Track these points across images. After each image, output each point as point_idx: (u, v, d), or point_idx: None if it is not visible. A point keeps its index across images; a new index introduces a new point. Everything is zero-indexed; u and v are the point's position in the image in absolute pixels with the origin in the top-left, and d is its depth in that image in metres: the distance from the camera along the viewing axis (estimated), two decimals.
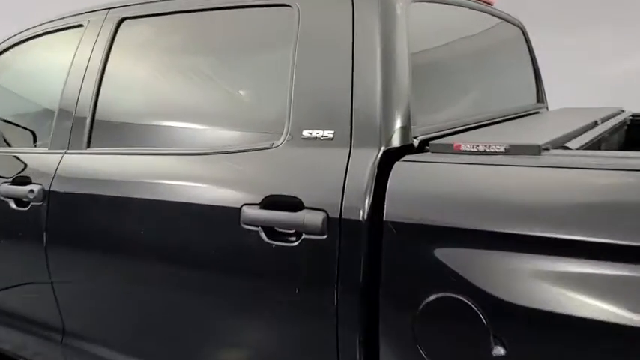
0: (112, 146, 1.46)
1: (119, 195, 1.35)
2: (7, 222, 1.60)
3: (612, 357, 0.83)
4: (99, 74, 1.50)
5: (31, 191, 1.52)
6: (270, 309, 1.16)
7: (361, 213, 1.03)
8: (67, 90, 1.56)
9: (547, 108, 2.10)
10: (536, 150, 0.98)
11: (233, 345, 1.27)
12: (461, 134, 1.23)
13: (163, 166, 1.33)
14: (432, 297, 0.96)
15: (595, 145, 1.32)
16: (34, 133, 1.86)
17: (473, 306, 0.92)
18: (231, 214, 1.17)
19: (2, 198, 1.59)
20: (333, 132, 1.11)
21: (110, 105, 1.51)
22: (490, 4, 1.75)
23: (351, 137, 1.09)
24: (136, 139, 1.45)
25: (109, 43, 1.51)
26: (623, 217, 0.83)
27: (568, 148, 1.10)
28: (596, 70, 3.57)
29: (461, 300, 0.93)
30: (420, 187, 1.01)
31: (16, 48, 1.80)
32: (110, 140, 1.48)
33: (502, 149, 1.00)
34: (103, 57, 1.51)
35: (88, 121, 1.50)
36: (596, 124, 1.47)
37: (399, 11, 1.16)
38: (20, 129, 1.93)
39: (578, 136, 1.26)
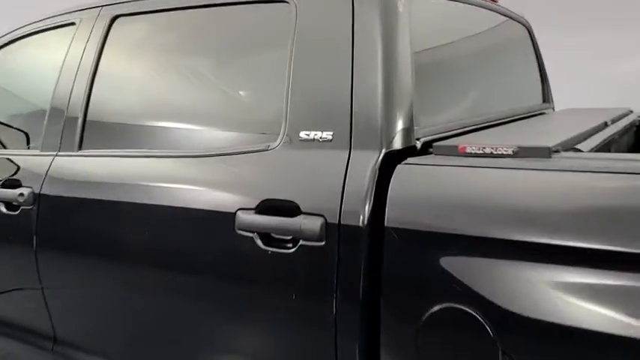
0: (103, 148, 1.42)
1: (109, 198, 1.31)
2: None
3: None
4: (91, 74, 1.46)
5: (21, 194, 1.48)
6: (267, 318, 1.12)
7: (361, 218, 0.98)
8: (58, 90, 1.52)
9: (553, 108, 2.05)
10: (546, 152, 0.93)
11: (228, 355, 1.23)
12: (466, 135, 1.18)
13: (155, 169, 1.29)
14: (436, 307, 0.91)
15: (605, 147, 1.27)
16: (27, 135, 1.81)
17: (480, 318, 0.87)
18: (225, 219, 1.12)
19: None
20: (331, 133, 1.07)
21: (102, 105, 1.47)
22: (495, 0, 1.70)
23: (350, 139, 1.05)
24: (128, 141, 1.41)
25: (101, 41, 1.47)
26: None
27: (580, 151, 1.04)
28: (601, 70, 3.53)
29: (467, 311, 0.88)
30: (423, 192, 0.96)
31: (7, 47, 1.76)
32: (102, 142, 1.44)
33: (510, 151, 0.95)
34: (95, 56, 1.47)
35: (80, 122, 1.46)
36: (606, 125, 1.42)
37: (400, 8, 1.11)
38: (13, 130, 1.89)
39: (589, 137, 1.21)
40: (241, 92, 1.33)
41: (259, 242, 1.09)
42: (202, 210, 1.16)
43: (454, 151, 1.00)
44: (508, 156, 0.95)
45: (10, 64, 1.82)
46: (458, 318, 0.89)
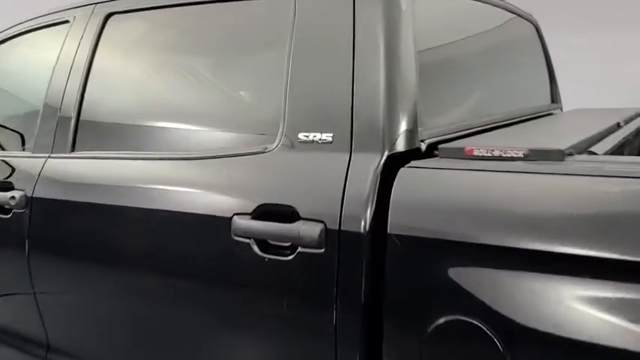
0: (96, 149, 1.38)
1: (102, 202, 1.27)
2: None
3: None
4: (84, 73, 1.42)
5: (13, 197, 1.44)
6: (265, 328, 1.07)
7: (362, 224, 0.93)
8: (51, 90, 1.49)
9: (561, 109, 1.99)
10: (559, 155, 0.88)
11: None
12: (472, 137, 1.13)
13: (149, 171, 1.25)
14: (442, 320, 0.86)
15: (619, 149, 1.21)
16: (22, 136, 1.78)
17: (488, 332, 0.81)
18: (220, 224, 1.08)
19: None
20: (331, 135, 1.02)
21: (95, 105, 1.43)
22: None
23: (351, 141, 1.00)
24: (121, 142, 1.38)
25: (95, 39, 1.43)
26: None
27: (594, 153, 0.99)
28: (608, 70, 3.47)
29: (475, 324, 0.83)
30: (428, 196, 0.91)
31: (0, 46, 1.72)
32: (95, 143, 1.40)
33: (520, 154, 0.90)
34: (89, 54, 1.43)
35: (73, 122, 1.42)
36: (619, 125, 1.36)
37: (404, 4, 1.06)
38: (8, 131, 1.85)
39: (602, 139, 1.15)
40: (238, 92, 1.29)
41: (256, 249, 1.04)
42: (197, 214, 1.12)
43: (460, 154, 0.95)
44: (518, 159, 0.90)
45: (3, 63, 1.78)
46: (465, 331, 0.84)
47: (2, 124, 1.84)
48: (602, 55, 3.46)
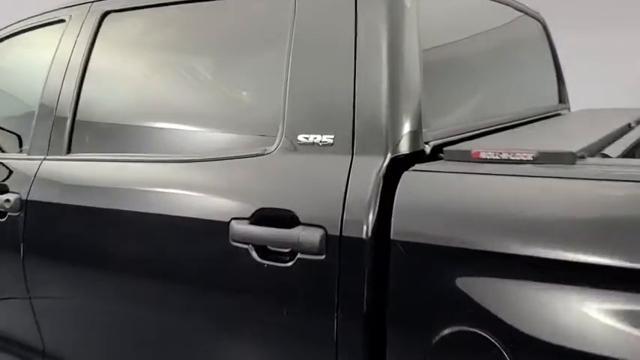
0: (92, 151, 1.36)
1: (97, 205, 1.24)
2: None
3: None
4: (80, 73, 1.39)
5: (7, 200, 1.41)
6: (263, 335, 1.04)
7: (364, 230, 0.89)
8: (46, 90, 1.46)
9: (569, 109, 1.95)
10: (570, 158, 0.84)
11: None
12: (479, 139, 1.09)
13: (145, 174, 1.21)
14: (448, 330, 0.83)
15: (631, 151, 1.17)
16: (19, 137, 1.75)
17: (497, 344, 0.77)
18: (218, 228, 1.04)
19: None
20: (332, 136, 0.98)
21: (91, 107, 1.40)
22: None
23: (353, 142, 0.96)
24: (117, 144, 1.35)
25: (91, 39, 1.40)
26: None
27: (607, 156, 0.94)
28: (613, 71, 3.42)
29: (483, 336, 0.79)
30: (433, 201, 0.87)
31: None
32: (90, 145, 1.37)
33: (529, 157, 0.86)
34: (85, 54, 1.40)
35: (68, 124, 1.39)
36: (630, 126, 1.32)
37: (408, 2, 1.02)
38: (6, 133, 1.82)
39: (614, 141, 1.11)
40: (236, 92, 1.25)
41: (255, 254, 1.01)
42: (193, 219, 1.09)
43: (467, 157, 0.91)
44: (527, 162, 0.86)
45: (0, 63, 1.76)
46: (472, 343, 0.80)
47: (1, 125, 1.81)
48: (608, 55, 3.41)
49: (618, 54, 3.41)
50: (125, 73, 1.42)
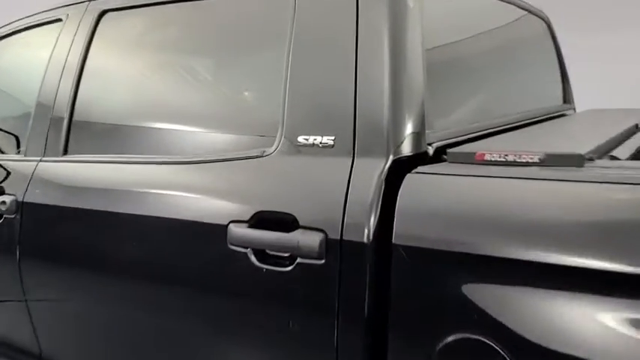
0: (88, 153, 1.33)
1: (94, 208, 1.22)
2: None
3: None
4: (77, 73, 1.37)
5: (3, 202, 1.39)
6: (262, 341, 1.02)
7: (366, 234, 0.87)
8: (43, 91, 1.44)
9: (574, 110, 1.92)
10: (578, 160, 0.81)
11: None
12: (483, 140, 1.07)
13: (141, 176, 1.19)
14: (452, 338, 0.80)
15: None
16: (17, 138, 1.73)
17: (503, 352, 0.75)
18: (216, 232, 1.02)
19: None
20: (333, 138, 0.96)
21: (88, 107, 1.38)
22: None
23: (354, 144, 0.94)
24: (113, 145, 1.33)
25: (88, 38, 1.38)
26: None
27: (616, 158, 0.92)
28: (617, 71, 3.38)
29: (488, 344, 0.76)
30: (436, 205, 0.85)
31: None
32: (86, 146, 1.35)
33: (536, 159, 0.83)
34: (82, 54, 1.38)
35: (65, 125, 1.37)
36: (637, 127, 1.29)
37: (410, 2, 1.00)
38: (4, 133, 1.80)
39: (622, 142, 1.08)
40: (235, 92, 1.22)
41: (253, 259, 0.98)
42: (191, 221, 1.06)
43: (471, 159, 0.89)
44: (534, 164, 0.83)
45: None
46: (477, 351, 0.77)
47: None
48: (609, 55, 3.38)
49: (620, 54, 3.38)
50: (122, 73, 1.40)
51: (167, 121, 1.27)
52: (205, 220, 1.04)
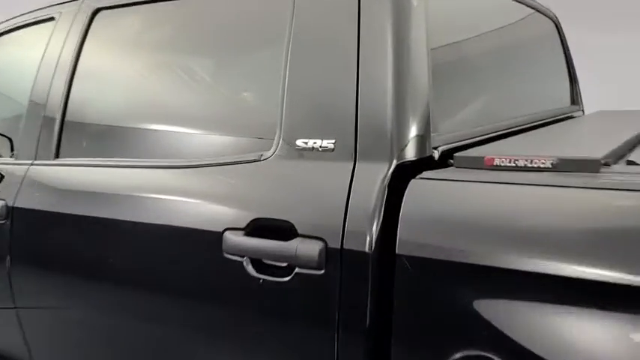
0: (80, 156, 1.29)
1: (85, 213, 1.18)
2: None
3: None
4: (69, 73, 1.33)
5: None
6: (259, 354, 0.97)
7: (367, 243, 0.83)
8: (35, 91, 1.40)
9: (583, 111, 1.87)
10: (594, 165, 0.76)
11: None
12: (491, 144, 1.02)
13: (133, 181, 1.15)
14: (459, 355, 0.76)
15: None
16: (10, 141, 1.69)
17: None
18: (211, 239, 0.98)
19: None
20: (333, 141, 0.91)
21: (80, 109, 1.34)
22: None
23: (355, 148, 0.89)
24: (106, 148, 1.28)
25: (81, 37, 1.34)
26: None
27: (634, 163, 0.87)
28: (624, 71, 3.33)
29: None
30: (442, 213, 0.80)
31: None
32: (79, 150, 1.31)
33: (549, 164, 0.79)
34: (75, 53, 1.34)
35: (57, 128, 1.33)
36: None
37: (415, 0, 0.95)
38: None
39: (638, 145, 1.03)
40: (231, 93, 1.18)
41: (250, 268, 0.94)
42: (185, 228, 1.02)
43: (479, 164, 0.84)
44: (546, 170, 0.79)
45: None
46: None
47: None
48: (619, 55, 3.33)
49: (626, 53, 3.33)
50: (116, 73, 1.36)
51: (161, 123, 1.22)
52: (200, 227, 1.00)
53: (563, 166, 0.78)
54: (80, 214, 1.19)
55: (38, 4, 1.54)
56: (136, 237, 1.10)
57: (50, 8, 1.46)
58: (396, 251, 0.80)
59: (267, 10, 1.08)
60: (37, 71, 1.40)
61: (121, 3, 1.31)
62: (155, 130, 1.23)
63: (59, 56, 1.36)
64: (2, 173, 1.46)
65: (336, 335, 0.86)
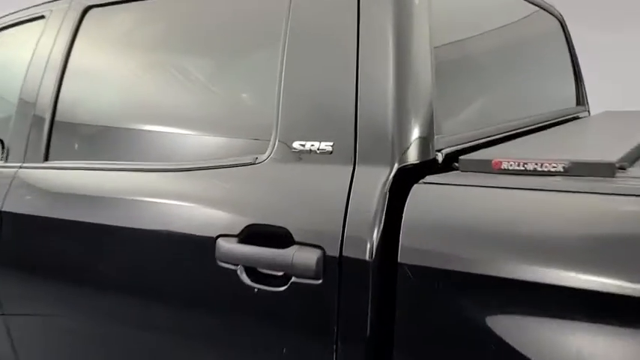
0: (70, 159, 1.25)
1: (74, 218, 1.14)
2: None
3: None
4: (59, 73, 1.30)
5: None
6: None
7: (367, 251, 0.79)
8: (24, 92, 1.36)
9: (589, 112, 1.82)
10: (609, 170, 0.72)
11: None
12: (497, 146, 0.98)
13: (123, 185, 1.11)
14: None
15: None
16: (2, 142, 1.65)
17: None
18: (203, 246, 0.93)
19: None
20: (331, 144, 0.87)
21: (70, 110, 1.31)
22: None
23: (355, 150, 0.85)
24: (96, 151, 1.25)
25: (71, 36, 1.30)
26: None
27: None
28: (627, 70, 3.30)
29: None
30: (447, 219, 0.76)
31: None
32: (68, 152, 1.27)
33: (560, 168, 0.74)
34: (65, 53, 1.30)
35: (46, 129, 1.29)
36: None
37: None
38: None
39: None
40: (226, 93, 1.14)
41: (244, 277, 0.90)
42: (177, 234, 0.98)
43: (487, 167, 0.80)
44: (558, 174, 0.74)
45: None
46: None
47: None
48: (623, 53, 3.29)
49: (627, 51, 3.30)
50: (107, 72, 1.32)
51: (154, 125, 1.18)
52: (191, 233, 0.96)
53: (576, 170, 0.73)
54: (69, 218, 1.15)
55: (28, 3, 1.51)
56: (126, 242, 1.07)
57: (40, 6, 1.43)
58: (398, 260, 0.76)
59: (263, 8, 1.04)
60: (27, 70, 1.36)
61: (111, 1, 1.27)
62: (147, 131, 1.19)
63: (49, 55, 1.32)
64: None
65: (334, 348, 0.82)
